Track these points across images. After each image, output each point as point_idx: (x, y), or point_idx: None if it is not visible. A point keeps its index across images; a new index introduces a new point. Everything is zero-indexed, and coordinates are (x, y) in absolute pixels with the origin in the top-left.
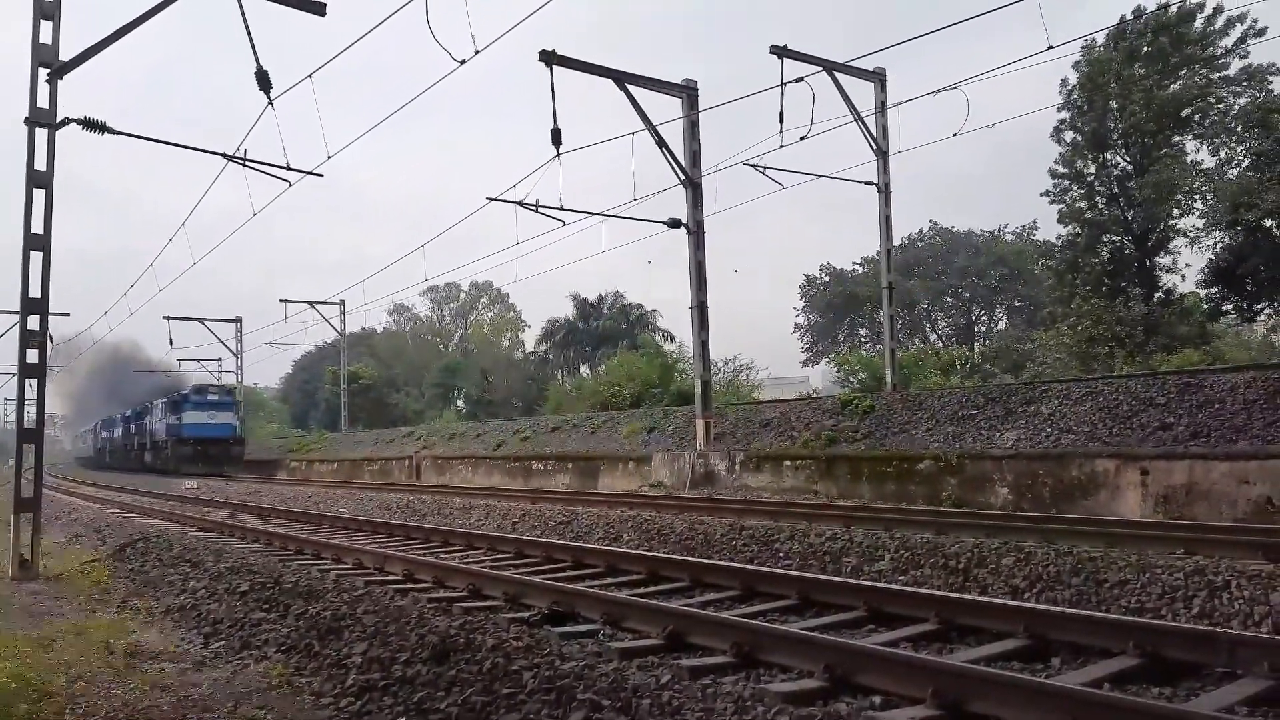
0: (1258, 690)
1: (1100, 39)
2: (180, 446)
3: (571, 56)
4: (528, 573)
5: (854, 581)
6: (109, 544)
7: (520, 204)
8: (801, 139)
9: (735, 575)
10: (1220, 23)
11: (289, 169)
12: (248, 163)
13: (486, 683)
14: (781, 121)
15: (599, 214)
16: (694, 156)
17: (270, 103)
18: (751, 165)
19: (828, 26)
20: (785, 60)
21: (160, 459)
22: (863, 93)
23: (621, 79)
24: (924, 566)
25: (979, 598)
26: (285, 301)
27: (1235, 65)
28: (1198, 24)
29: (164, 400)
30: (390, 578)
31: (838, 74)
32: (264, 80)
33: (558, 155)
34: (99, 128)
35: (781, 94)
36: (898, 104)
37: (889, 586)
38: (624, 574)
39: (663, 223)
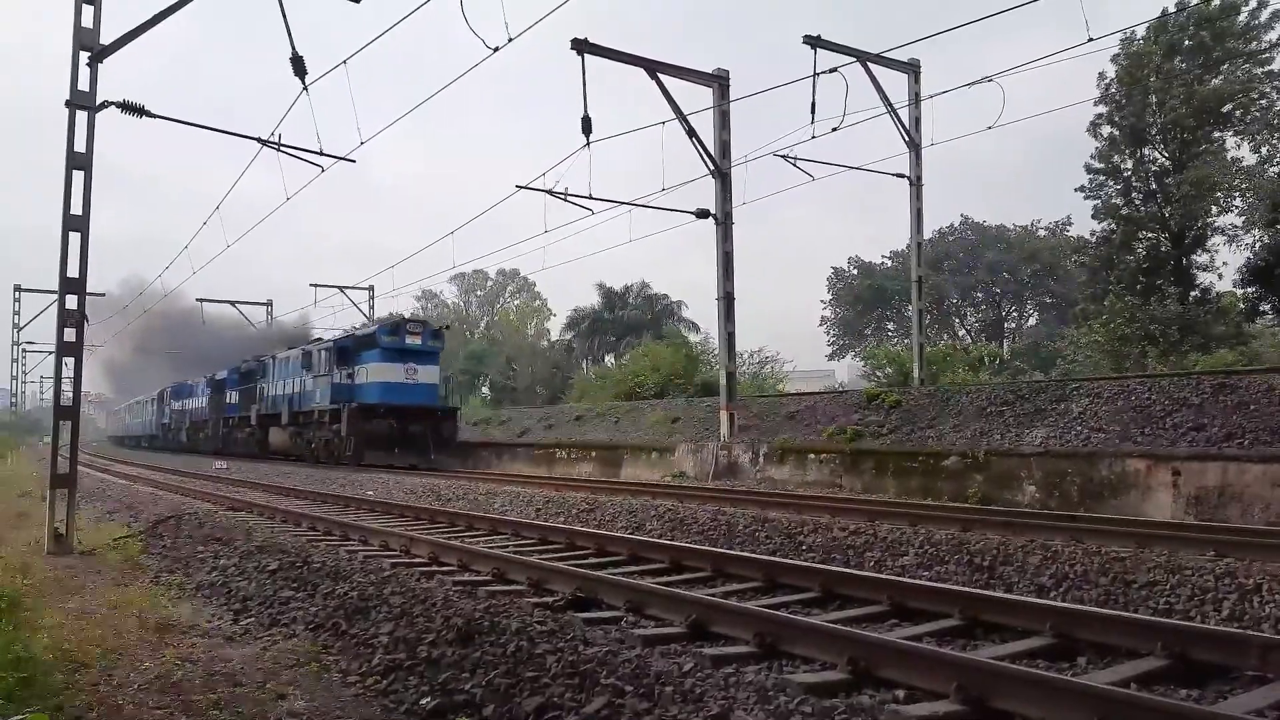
0: None
1: (1140, 32)
2: (364, 422)
3: (603, 45)
4: (551, 558)
5: (878, 576)
6: (141, 520)
7: (549, 192)
8: (834, 130)
9: (758, 566)
10: (1265, 16)
11: (322, 154)
12: (282, 147)
13: (510, 665)
14: (814, 112)
15: (627, 203)
16: (724, 147)
17: (305, 88)
18: (782, 156)
19: (856, 18)
20: (818, 50)
21: (315, 442)
22: (896, 84)
23: (653, 68)
24: (949, 563)
25: (1004, 595)
26: (315, 286)
27: (1279, 60)
28: (1241, 17)
29: (322, 348)
30: (416, 560)
31: (871, 65)
32: (299, 66)
33: (588, 144)
34: (138, 111)
35: (814, 84)
36: (931, 96)
37: (913, 581)
38: (647, 562)
39: (691, 213)
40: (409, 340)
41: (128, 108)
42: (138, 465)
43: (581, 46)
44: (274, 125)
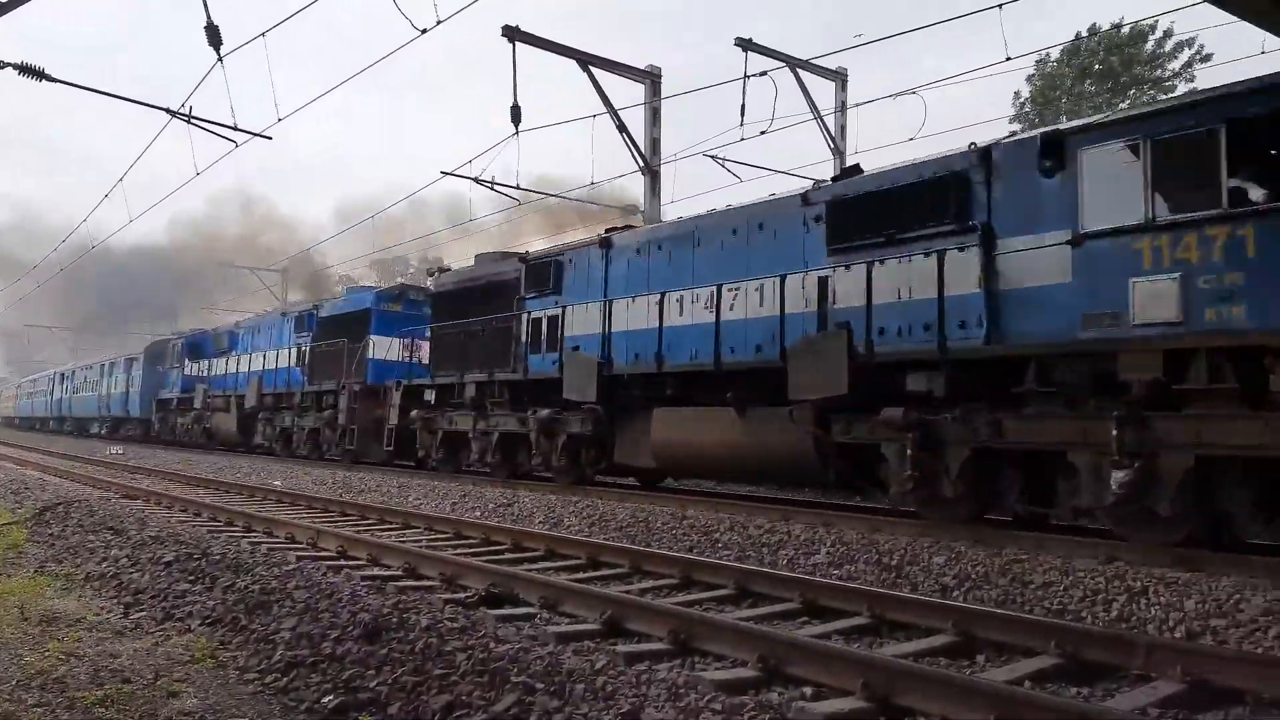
0: (1171, 693)
1: (1055, 54)
2: None
3: (535, 34)
4: (465, 554)
5: (790, 574)
6: (27, 507)
7: (476, 180)
8: (762, 133)
9: (675, 564)
10: (1169, 46)
11: (236, 129)
12: (192, 120)
13: (419, 663)
14: (743, 115)
15: (555, 195)
16: (654, 144)
17: (220, 59)
18: (711, 156)
19: (792, 25)
20: (749, 53)
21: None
22: (824, 91)
23: (585, 60)
24: (858, 562)
25: (910, 594)
26: (223, 265)
27: (1181, 88)
28: (1148, 45)
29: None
30: (323, 554)
31: (800, 71)
32: (214, 35)
33: (516, 133)
34: (36, 74)
35: (744, 87)
36: (857, 105)
37: (824, 580)
38: (564, 558)
39: (620, 208)
40: None
41: (26, 70)
42: (22, 448)
43: (513, 34)
44: (185, 97)
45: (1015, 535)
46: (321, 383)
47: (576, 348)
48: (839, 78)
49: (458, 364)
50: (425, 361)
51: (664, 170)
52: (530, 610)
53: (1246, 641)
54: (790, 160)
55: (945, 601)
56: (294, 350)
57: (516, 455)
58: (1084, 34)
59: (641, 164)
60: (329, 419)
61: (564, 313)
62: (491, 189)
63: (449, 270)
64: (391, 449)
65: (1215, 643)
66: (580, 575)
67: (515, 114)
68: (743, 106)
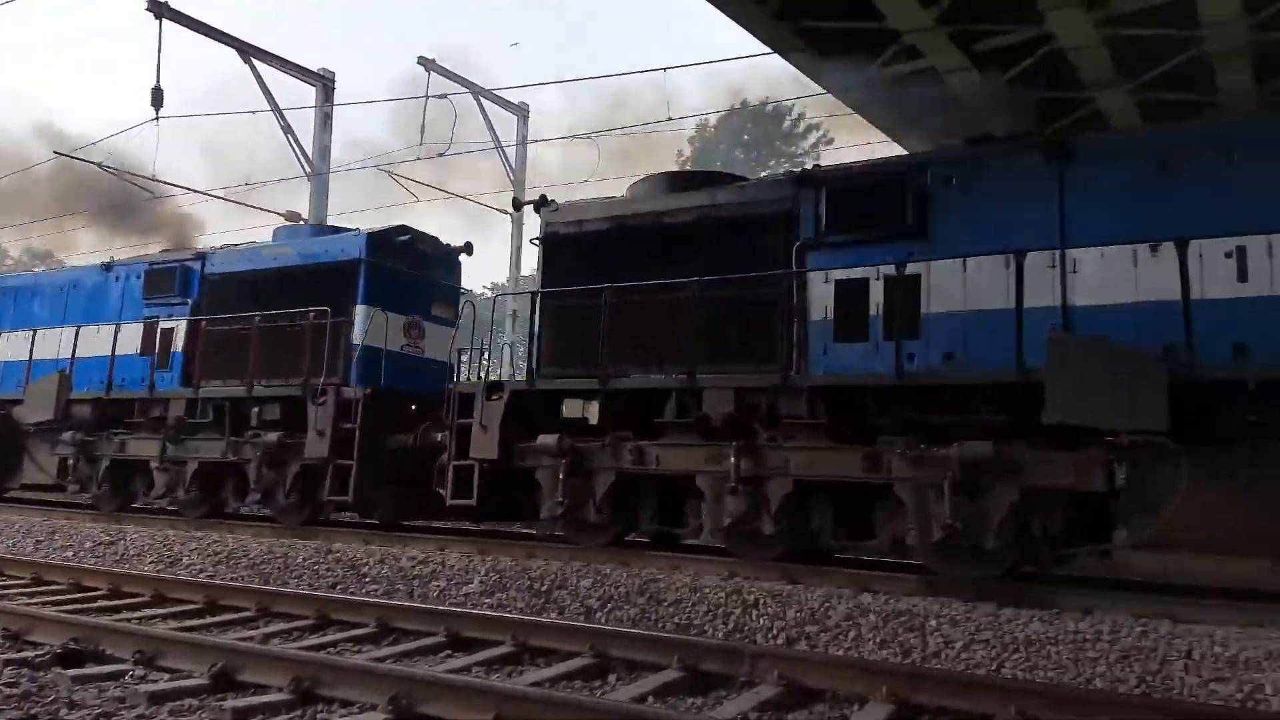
0: (769, 697)
1: (713, 120)
2: None
3: (187, 14)
4: (43, 603)
5: (436, 607)
6: None
7: (99, 165)
8: (440, 155)
9: (310, 603)
10: (802, 127)
11: None
12: None
13: None
14: (423, 133)
15: (201, 192)
16: (325, 150)
17: None
18: (386, 171)
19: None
20: (432, 74)
21: None
22: (508, 124)
23: (247, 51)
24: (510, 589)
25: (551, 620)
26: None
27: (810, 164)
28: (786, 124)
29: None
30: None
31: (484, 99)
32: None
33: (157, 118)
34: None
35: (425, 106)
36: (536, 141)
37: (469, 611)
38: (175, 604)
39: (278, 214)
40: None
41: None
42: None
43: (160, 10)
44: None
45: (653, 556)
46: (267, 382)
47: (1066, 325)
48: (520, 112)
49: (638, 356)
50: (432, 355)
51: (335, 178)
52: (121, 667)
53: (832, 645)
54: (471, 187)
55: (583, 624)
56: (143, 326)
57: (810, 521)
58: (737, 105)
59: (308, 170)
60: (272, 448)
61: (949, 271)
62: (119, 177)
63: (561, 204)
64: (473, 503)
65: (808, 647)
66: (191, 623)
67: (156, 96)
68: (423, 126)
